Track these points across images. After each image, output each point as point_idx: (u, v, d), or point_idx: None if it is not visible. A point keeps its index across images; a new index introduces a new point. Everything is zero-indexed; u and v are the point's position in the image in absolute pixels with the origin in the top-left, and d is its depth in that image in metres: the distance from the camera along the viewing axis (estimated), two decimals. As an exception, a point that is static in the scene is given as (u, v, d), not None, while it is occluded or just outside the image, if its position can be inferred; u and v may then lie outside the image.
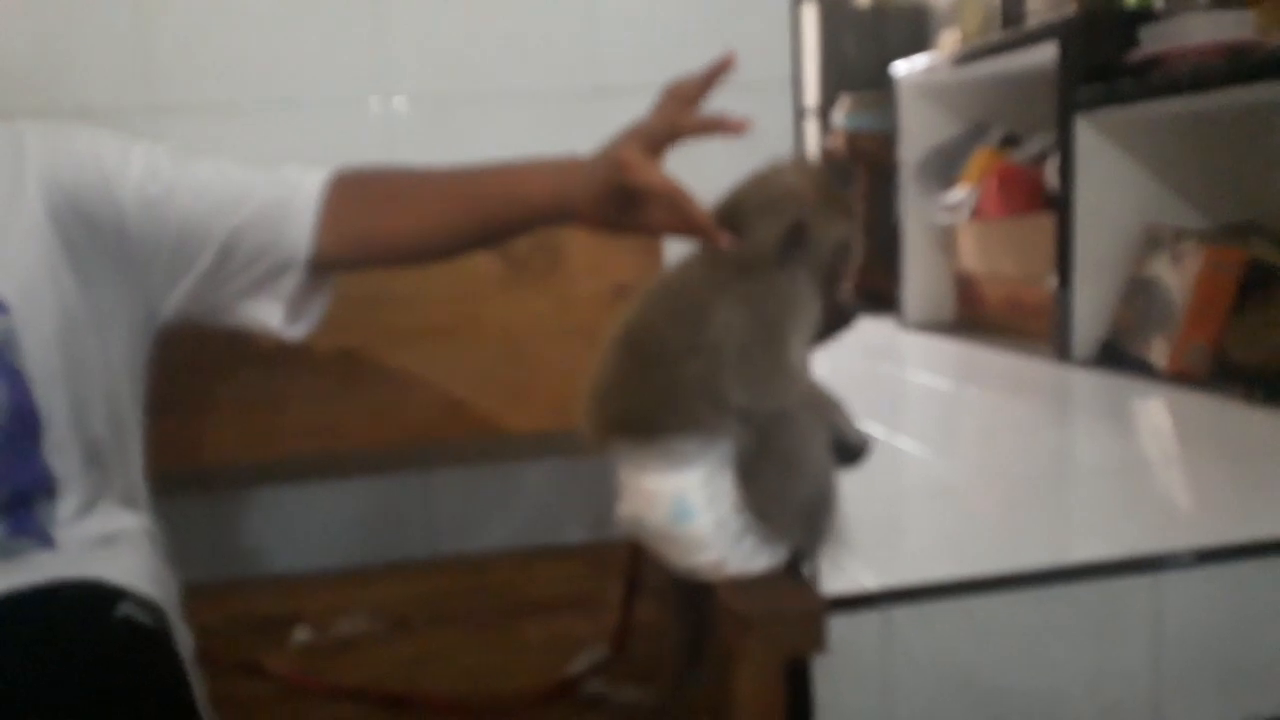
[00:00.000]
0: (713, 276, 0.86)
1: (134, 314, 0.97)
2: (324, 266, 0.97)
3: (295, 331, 0.99)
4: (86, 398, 0.93)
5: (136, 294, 0.96)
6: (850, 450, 0.89)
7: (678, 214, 0.85)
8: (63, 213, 0.90)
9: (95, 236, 0.92)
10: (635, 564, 0.97)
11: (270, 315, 0.97)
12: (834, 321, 0.93)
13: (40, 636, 0.80)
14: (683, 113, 0.87)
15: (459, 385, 1.19)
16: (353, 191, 0.96)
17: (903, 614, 1.45)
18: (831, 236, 0.89)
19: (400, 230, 0.96)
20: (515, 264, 1.19)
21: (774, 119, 1.37)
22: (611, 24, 1.31)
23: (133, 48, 1.19)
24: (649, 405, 0.85)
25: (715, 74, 0.88)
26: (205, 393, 1.12)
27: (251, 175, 0.96)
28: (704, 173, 1.33)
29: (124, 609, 0.85)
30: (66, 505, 0.91)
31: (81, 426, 0.93)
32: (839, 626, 1.45)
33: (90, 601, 0.85)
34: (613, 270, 1.17)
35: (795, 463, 0.86)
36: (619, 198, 0.88)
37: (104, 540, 0.93)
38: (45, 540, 0.90)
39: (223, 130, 1.22)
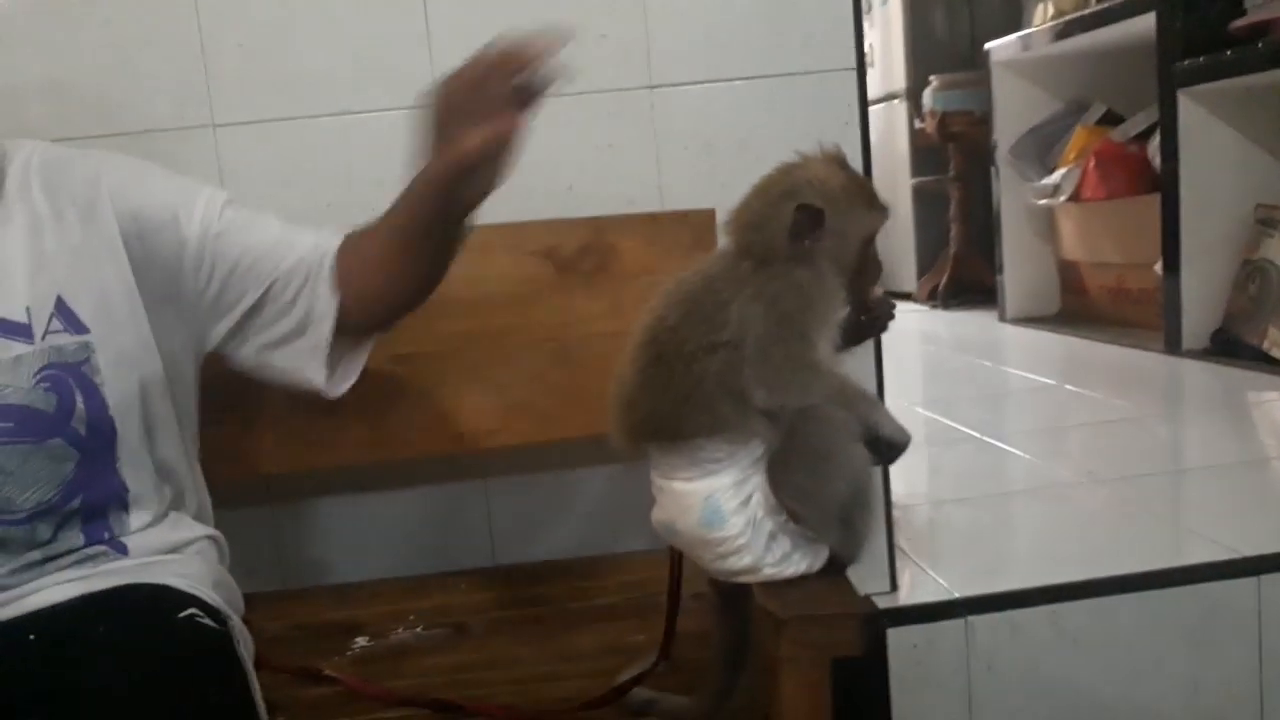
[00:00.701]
0: (730, 273, 0.84)
1: (186, 342, 1.01)
2: (350, 325, 1.00)
3: (332, 387, 1.02)
4: (157, 416, 0.98)
5: (189, 323, 1.00)
6: (889, 445, 0.85)
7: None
8: (132, 241, 0.96)
9: (157, 266, 0.97)
10: (677, 571, 0.95)
11: (307, 368, 1.01)
12: (867, 322, 0.89)
13: (111, 636, 0.84)
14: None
15: (512, 390, 1.18)
16: (348, 260, 1.00)
17: (984, 622, 1.39)
18: (856, 229, 0.86)
19: (376, 286, 1.00)
20: (565, 266, 1.18)
21: (838, 108, 1.33)
22: (665, 20, 1.28)
23: (194, 69, 1.22)
24: (673, 408, 0.83)
25: (539, 50, 0.85)
26: (263, 403, 1.13)
27: (294, 233, 1.01)
28: (767, 166, 1.31)
29: (189, 612, 0.89)
30: (139, 517, 0.96)
31: (153, 444, 0.98)
32: (918, 635, 1.40)
33: (158, 604, 0.89)
34: (663, 270, 1.13)
35: (826, 460, 0.83)
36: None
37: (172, 548, 0.98)
38: (119, 548, 0.94)
39: (280, 144, 1.24)
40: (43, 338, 0.90)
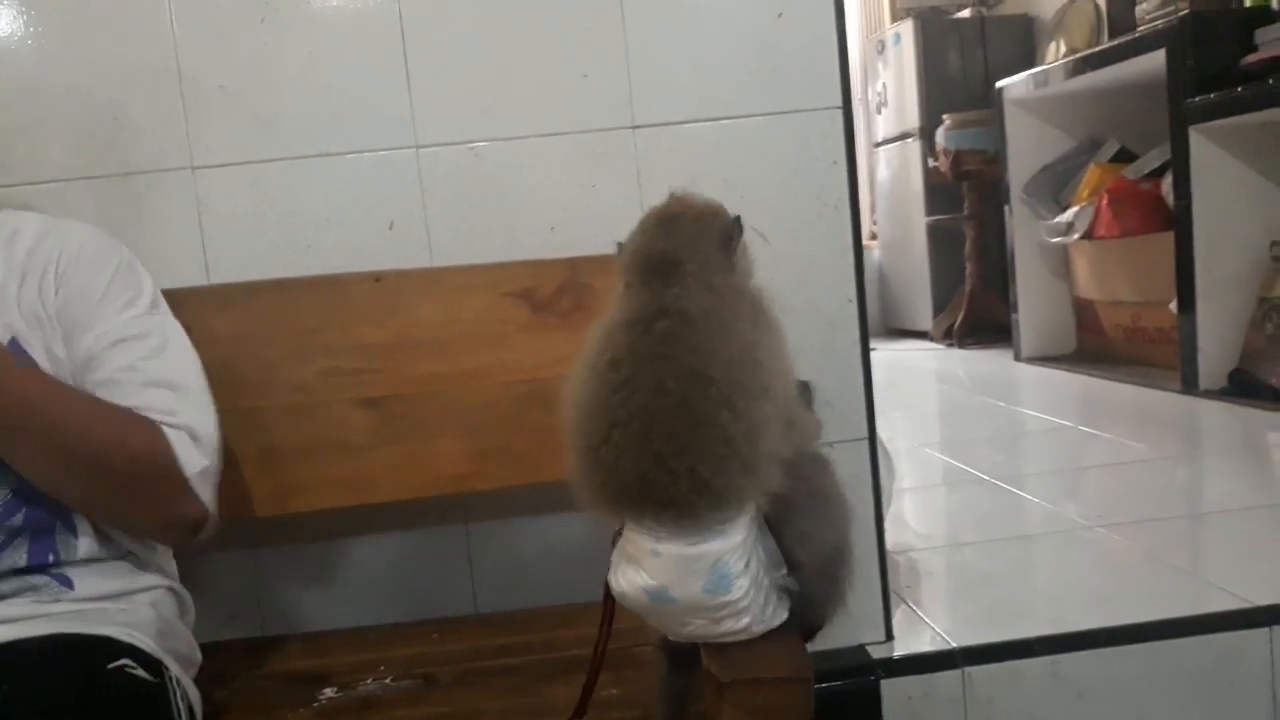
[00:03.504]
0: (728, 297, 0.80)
1: None
2: None
3: None
4: None
5: None
6: None
7: None
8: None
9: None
10: (608, 628, 0.89)
11: None
12: None
13: (35, 684, 0.82)
14: None
15: (488, 432, 1.16)
16: None
17: (983, 672, 1.34)
18: None
19: None
20: (541, 307, 1.16)
21: (825, 146, 1.31)
22: (647, 59, 1.26)
23: (173, 111, 1.21)
24: (713, 470, 0.75)
25: None
26: (233, 446, 1.11)
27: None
28: (754, 205, 1.28)
29: (121, 663, 0.87)
30: (85, 545, 0.95)
31: None
32: (913, 686, 1.35)
33: (89, 654, 0.87)
34: (638, 312, 1.11)
35: (825, 501, 0.80)
36: None
37: (122, 594, 0.97)
38: (65, 581, 0.94)
39: (259, 185, 1.23)
40: None
